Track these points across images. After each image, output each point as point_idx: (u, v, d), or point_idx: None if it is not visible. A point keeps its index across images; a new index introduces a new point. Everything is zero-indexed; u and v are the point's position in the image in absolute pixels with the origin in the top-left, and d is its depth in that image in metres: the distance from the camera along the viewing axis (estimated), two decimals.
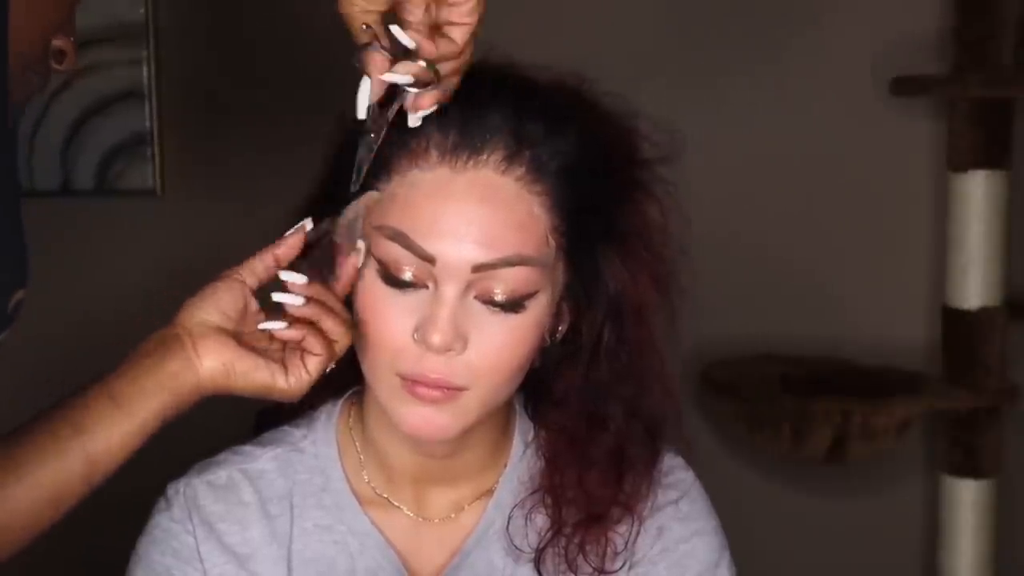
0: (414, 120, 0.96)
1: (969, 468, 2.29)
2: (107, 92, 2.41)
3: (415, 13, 0.92)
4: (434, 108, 0.96)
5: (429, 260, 0.97)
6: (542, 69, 1.04)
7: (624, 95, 1.07)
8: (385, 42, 0.92)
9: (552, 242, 1.00)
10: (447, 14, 0.92)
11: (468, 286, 0.98)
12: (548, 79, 1.05)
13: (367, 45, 0.93)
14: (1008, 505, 2.35)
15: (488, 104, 0.98)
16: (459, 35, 0.93)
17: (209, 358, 0.97)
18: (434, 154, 0.98)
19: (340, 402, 1.14)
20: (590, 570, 1.09)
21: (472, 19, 0.93)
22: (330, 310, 0.99)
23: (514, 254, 0.98)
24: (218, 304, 0.98)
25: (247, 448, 1.12)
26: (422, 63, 0.93)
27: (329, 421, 1.13)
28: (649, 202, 1.06)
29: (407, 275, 0.98)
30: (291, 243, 1.01)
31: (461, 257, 0.97)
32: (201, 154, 2.47)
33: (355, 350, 1.03)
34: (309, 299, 0.98)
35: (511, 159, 0.98)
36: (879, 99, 2.34)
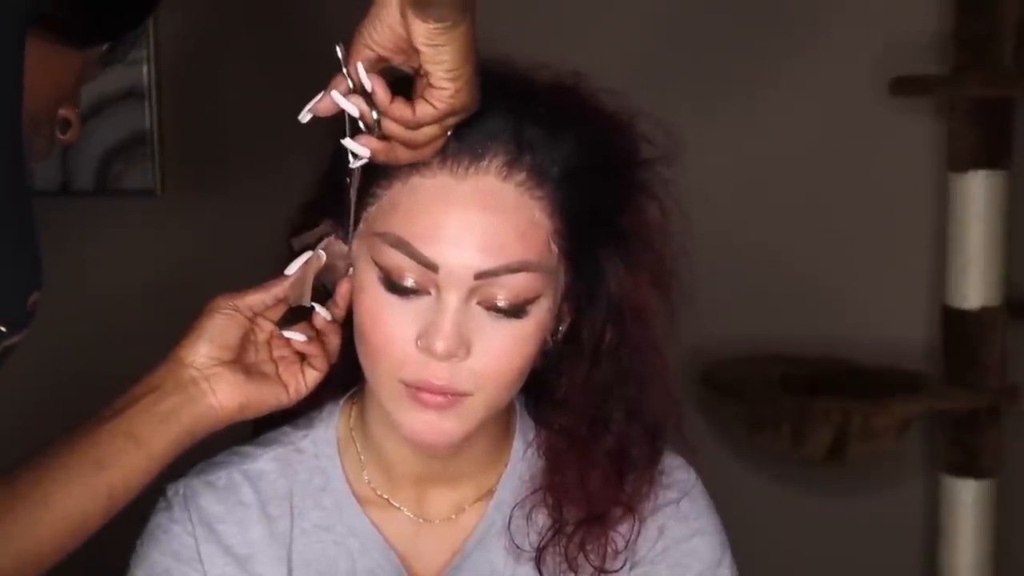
0: (348, 143, 0.95)
1: (969, 468, 2.28)
2: (107, 92, 2.40)
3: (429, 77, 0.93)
4: (364, 160, 0.95)
5: (432, 267, 0.97)
6: (540, 68, 1.04)
7: (623, 92, 1.06)
8: (355, 76, 0.93)
9: (554, 247, 1.00)
10: (427, 92, 0.93)
11: (471, 293, 0.98)
12: (547, 79, 1.04)
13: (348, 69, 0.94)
14: (1008, 505, 2.34)
15: (488, 108, 0.97)
16: (420, 111, 0.93)
17: (227, 399, 1.03)
18: (434, 160, 0.98)
19: (341, 402, 1.13)
20: (591, 570, 1.09)
21: (440, 106, 0.93)
22: (338, 328, 1.05)
23: (516, 261, 0.98)
24: (222, 339, 1.03)
25: (247, 449, 1.12)
26: (373, 112, 0.93)
27: (330, 421, 1.13)
28: (649, 202, 1.06)
29: (409, 282, 0.98)
30: (294, 283, 1.04)
31: (464, 264, 0.97)
32: (201, 154, 2.47)
33: (356, 353, 1.04)
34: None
35: (512, 165, 0.98)
36: (879, 99, 2.34)
